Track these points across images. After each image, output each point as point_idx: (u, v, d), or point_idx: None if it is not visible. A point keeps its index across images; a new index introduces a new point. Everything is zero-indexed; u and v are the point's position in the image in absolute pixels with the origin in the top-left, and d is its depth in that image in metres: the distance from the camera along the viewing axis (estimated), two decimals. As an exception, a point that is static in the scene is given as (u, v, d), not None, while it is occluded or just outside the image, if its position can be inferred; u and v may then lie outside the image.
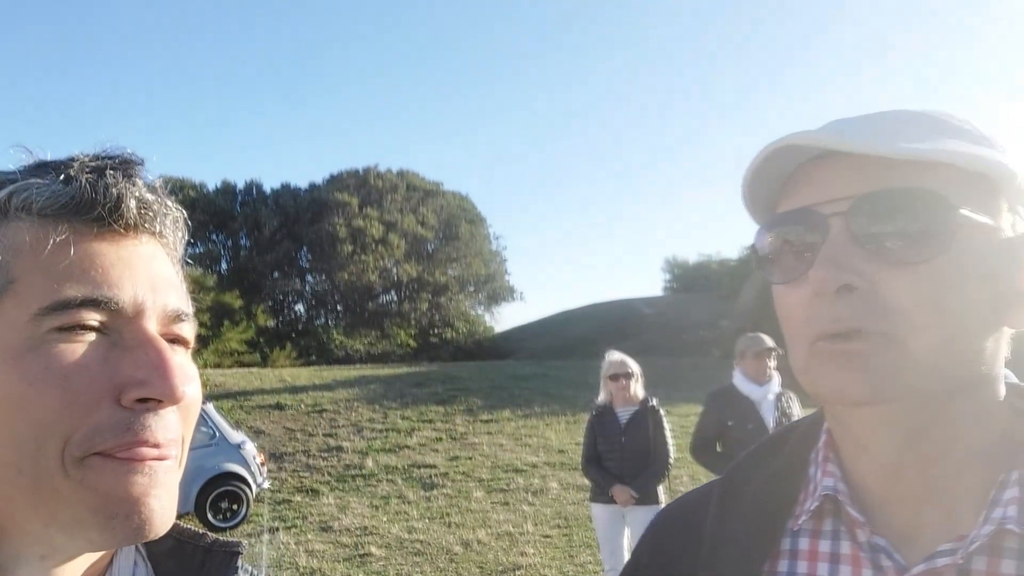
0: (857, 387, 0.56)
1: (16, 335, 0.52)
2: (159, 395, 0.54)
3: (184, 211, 0.64)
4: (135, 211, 0.57)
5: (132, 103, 70.30)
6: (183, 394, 0.55)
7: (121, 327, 0.55)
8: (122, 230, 0.57)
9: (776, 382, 4.29)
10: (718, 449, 4.38)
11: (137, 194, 0.57)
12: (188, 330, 0.60)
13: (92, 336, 0.53)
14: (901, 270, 0.56)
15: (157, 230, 0.60)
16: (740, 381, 4.31)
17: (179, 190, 38.50)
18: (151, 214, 0.59)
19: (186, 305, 0.60)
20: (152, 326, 0.56)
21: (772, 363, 4.26)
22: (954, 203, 0.55)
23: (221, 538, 0.68)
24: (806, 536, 0.65)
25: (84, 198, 0.55)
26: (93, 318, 0.53)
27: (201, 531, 0.68)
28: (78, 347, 0.53)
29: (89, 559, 0.58)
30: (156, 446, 0.54)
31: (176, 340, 0.59)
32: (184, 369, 0.56)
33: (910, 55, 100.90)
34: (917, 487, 0.60)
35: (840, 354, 0.57)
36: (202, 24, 70.79)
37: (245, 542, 0.70)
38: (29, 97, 66.65)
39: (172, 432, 0.56)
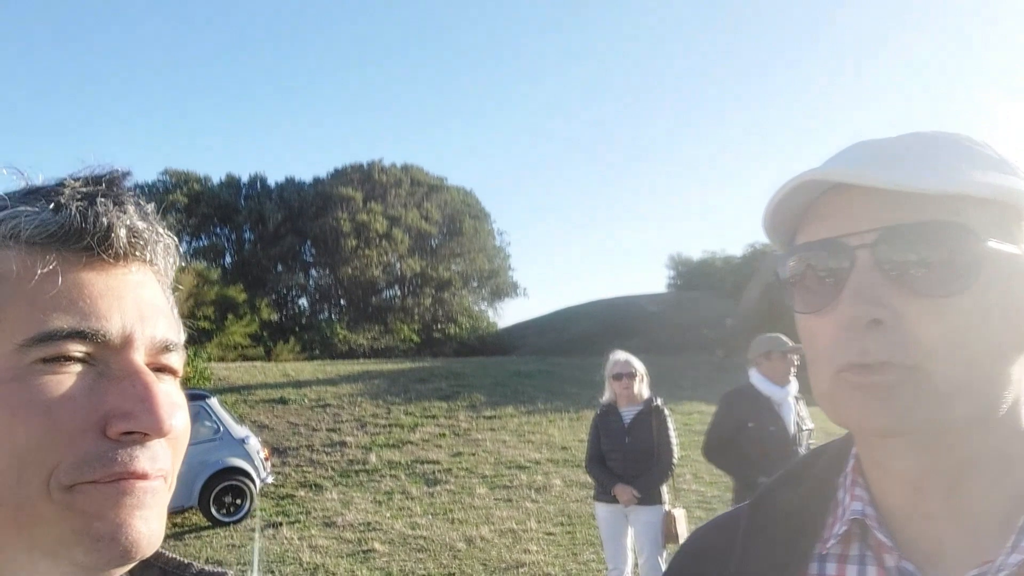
0: (879, 418, 0.57)
1: (0, 364, 0.51)
2: (145, 428, 0.53)
3: (175, 237, 0.62)
4: (125, 240, 0.56)
5: (137, 97, 70.41)
6: (170, 428, 0.54)
7: (108, 358, 0.54)
8: (111, 260, 0.56)
9: (795, 384, 4.23)
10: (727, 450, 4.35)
11: (128, 223, 0.56)
12: (176, 360, 0.60)
13: (78, 367, 0.53)
14: (927, 303, 0.56)
15: (148, 258, 0.59)
16: (759, 381, 4.22)
17: (184, 183, 39.11)
18: (141, 243, 0.58)
19: (176, 334, 0.60)
20: (140, 357, 0.55)
21: (797, 364, 4.18)
22: (981, 235, 0.56)
23: (208, 567, 0.68)
24: (833, 561, 0.65)
25: (73, 227, 0.54)
26: (79, 350, 0.52)
27: (187, 561, 0.67)
28: (63, 378, 0.52)
29: None
30: (144, 477, 0.53)
31: (164, 369, 0.58)
32: (171, 399, 0.56)
33: (921, 49, 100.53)
34: (940, 509, 0.60)
35: (865, 385, 0.57)
36: (206, 18, 70.83)
37: (231, 572, 0.70)
38: (33, 90, 66.76)
39: (160, 462, 0.55)
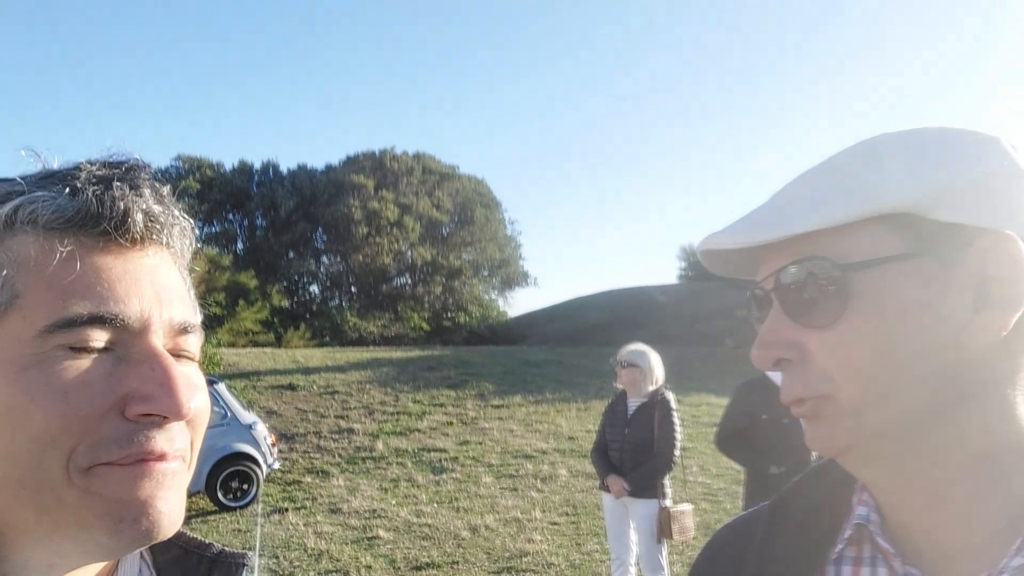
0: (814, 443, 0.61)
1: (21, 350, 0.51)
2: (164, 411, 0.53)
3: (191, 220, 0.63)
4: (141, 224, 0.56)
5: (151, 82, 70.59)
6: (188, 411, 0.55)
7: (127, 342, 0.54)
8: (128, 244, 0.56)
9: None
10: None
11: (144, 206, 0.57)
12: (194, 342, 0.60)
13: (98, 352, 0.53)
14: (818, 334, 0.59)
15: (164, 241, 0.59)
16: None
17: (196, 169, 39.27)
18: (158, 226, 0.58)
19: (193, 316, 0.60)
20: (158, 341, 0.56)
21: None
22: (842, 261, 0.57)
23: (228, 548, 0.69)
24: (848, 564, 0.65)
25: (90, 212, 0.54)
26: (99, 335, 0.53)
27: (207, 541, 0.69)
28: (82, 363, 0.52)
29: (95, 568, 0.58)
30: (162, 457, 0.54)
31: (182, 352, 0.59)
32: (191, 381, 0.56)
33: (934, 31, 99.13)
34: (932, 516, 0.59)
35: (800, 417, 0.62)
36: (219, 4, 70.80)
37: (251, 553, 0.70)
38: (46, 76, 67.08)
39: (178, 443, 0.55)
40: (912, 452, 0.58)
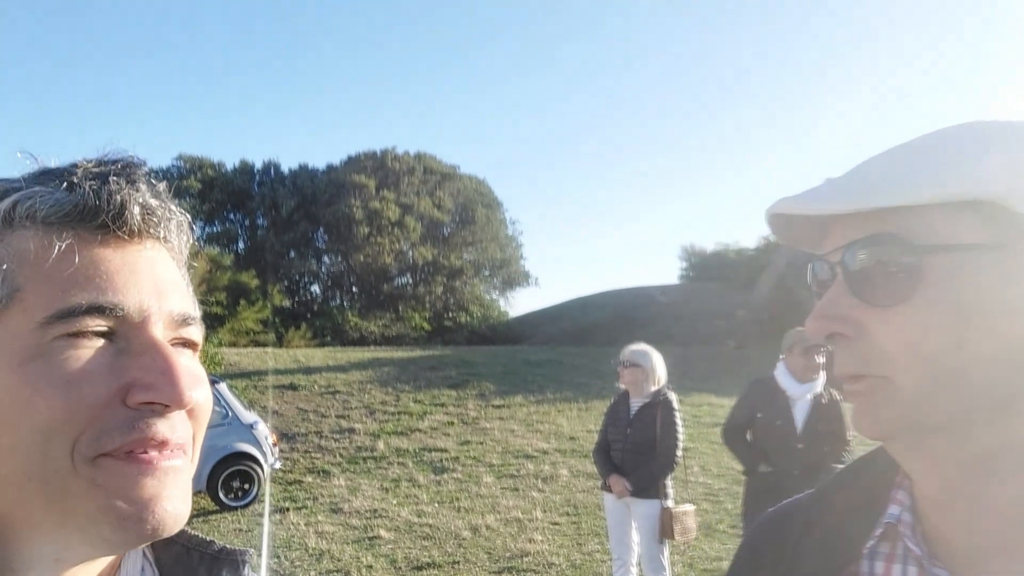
0: (862, 424, 0.60)
1: (22, 343, 0.52)
2: (166, 400, 0.54)
3: (188, 215, 0.63)
4: (139, 217, 0.57)
5: (151, 83, 70.61)
6: (190, 399, 0.55)
7: (128, 333, 0.55)
8: (126, 236, 0.57)
9: (820, 382, 4.19)
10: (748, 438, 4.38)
11: (140, 200, 0.57)
12: (195, 333, 0.60)
13: (99, 342, 0.54)
14: (882, 313, 0.58)
15: (161, 235, 0.60)
16: (781, 374, 4.23)
17: (198, 169, 39.28)
18: (155, 219, 0.59)
19: (193, 308, 0.61)
20: (158, 331, 0.56)
21: (820, 360, 4.12)
22: (918, 242, 0.56)
23: (228, 546, 0.69)
24: (881, 559, 0.66)
25: (88, 205, 0.55)
26: (99, 325, 0.53)
27: (208, 539, 0.69)
28: (84, 353, 0.53)
29: (99, 564, 0.58)
30: (164, 444, 0.54)
31: (184, 343, 0.59)
32: (192, 372, 0.56)
33: (940, 29, 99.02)
34: (967, 520, 0.59)
35: (851, 393, 0.61)
36: (221, 4, 70.85)
37: (252, 550, 0.70)
38: (47, 76, 67.12)
39: (180, 432, 0.56)
40: (958, 450, 0.57)
